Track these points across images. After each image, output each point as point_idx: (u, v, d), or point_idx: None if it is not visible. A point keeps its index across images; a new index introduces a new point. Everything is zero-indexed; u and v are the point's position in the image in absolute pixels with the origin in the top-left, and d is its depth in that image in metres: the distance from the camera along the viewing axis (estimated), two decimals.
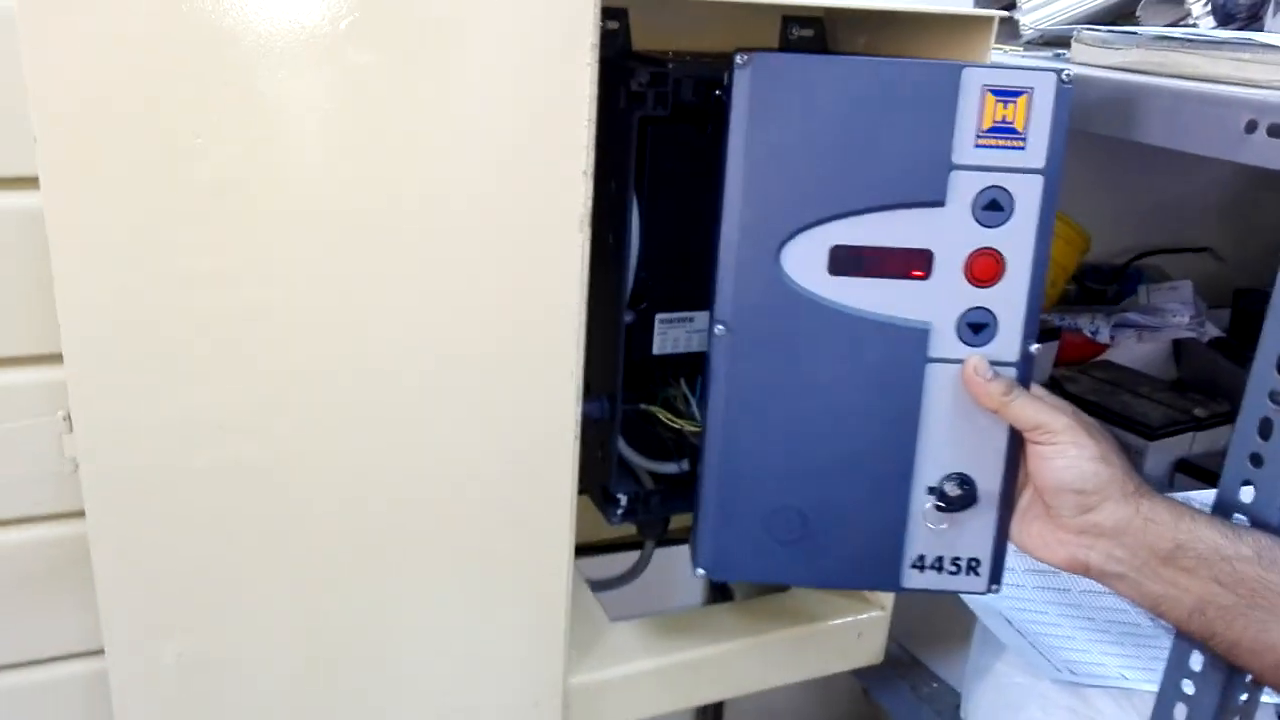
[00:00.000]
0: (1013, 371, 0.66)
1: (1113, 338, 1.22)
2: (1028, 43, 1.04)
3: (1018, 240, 0.65)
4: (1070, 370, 1.24)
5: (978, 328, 0.66)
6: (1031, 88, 0.63)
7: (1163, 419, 1.12)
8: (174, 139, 0.54)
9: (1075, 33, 0.85)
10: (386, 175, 0.59)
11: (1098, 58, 0.82)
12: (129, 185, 0.55)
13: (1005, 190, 0.64)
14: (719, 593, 1.06)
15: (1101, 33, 0.83)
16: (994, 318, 0.66)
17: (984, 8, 1.08)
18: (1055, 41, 1.01)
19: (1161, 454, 1.11)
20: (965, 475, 0.67)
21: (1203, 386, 1.21)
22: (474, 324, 0.63)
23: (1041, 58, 0.96)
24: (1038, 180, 0.64)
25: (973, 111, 0.63)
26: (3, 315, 0.63)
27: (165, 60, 0.53)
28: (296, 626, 0.66)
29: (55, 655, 0.70)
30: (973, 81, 0.63)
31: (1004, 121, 0.64)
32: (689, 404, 0.76)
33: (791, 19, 0.82)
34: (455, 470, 0.66)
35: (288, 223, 0.58)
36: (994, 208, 0.64)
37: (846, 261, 0.64)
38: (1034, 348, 0.66)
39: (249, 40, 0.54)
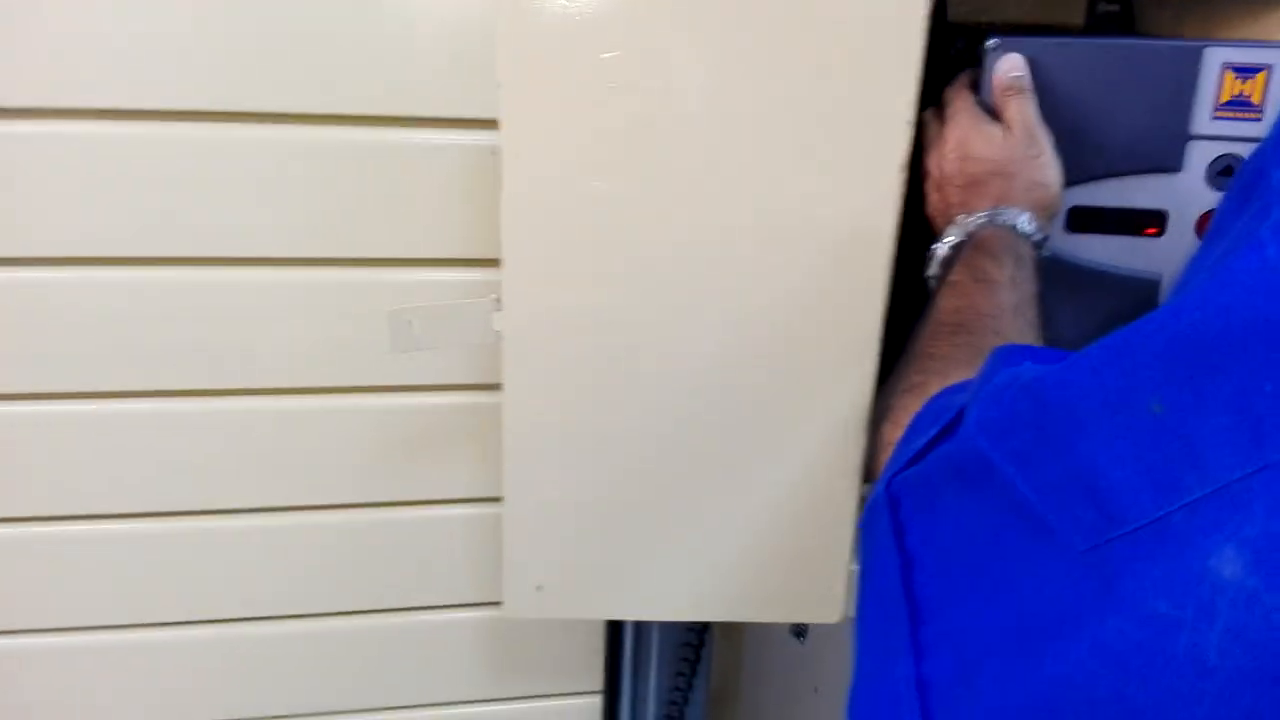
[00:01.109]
0: None
1: None
2: None
3: None
4: None
5: None
6: (1270, 65, 0.70)
7: None
8: (593, 94, 0.71)
9: None
10: (746, 117, 0.72)
11: None
12: (561, 128, 0.72)
13: (1239, 158, 0.71)
14: None
15: None
16: None
17: None
18: None
19: None
20: None
21: None
22: (801, 261, 0.75)
23: None
24: None
25: (1212, 87, 0.71)
26: (454, 226, 0.88)
27: (593, 37, 0.70)
28: (647, 478, 0.82)
29: (451, 498, 0.96)
30: (1214, 59, 0.71)
31: (1241, 96, 0.71)
32: None
33: None
34: (763, 408, 0.80)
35: (670, 160, 0.73)
36: (1227, 173, 0.72)
37: (1084, 220, 0.74)
38: None
39: (645, 21, 0.70)
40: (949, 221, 0.71)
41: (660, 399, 0.80)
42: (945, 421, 0.45)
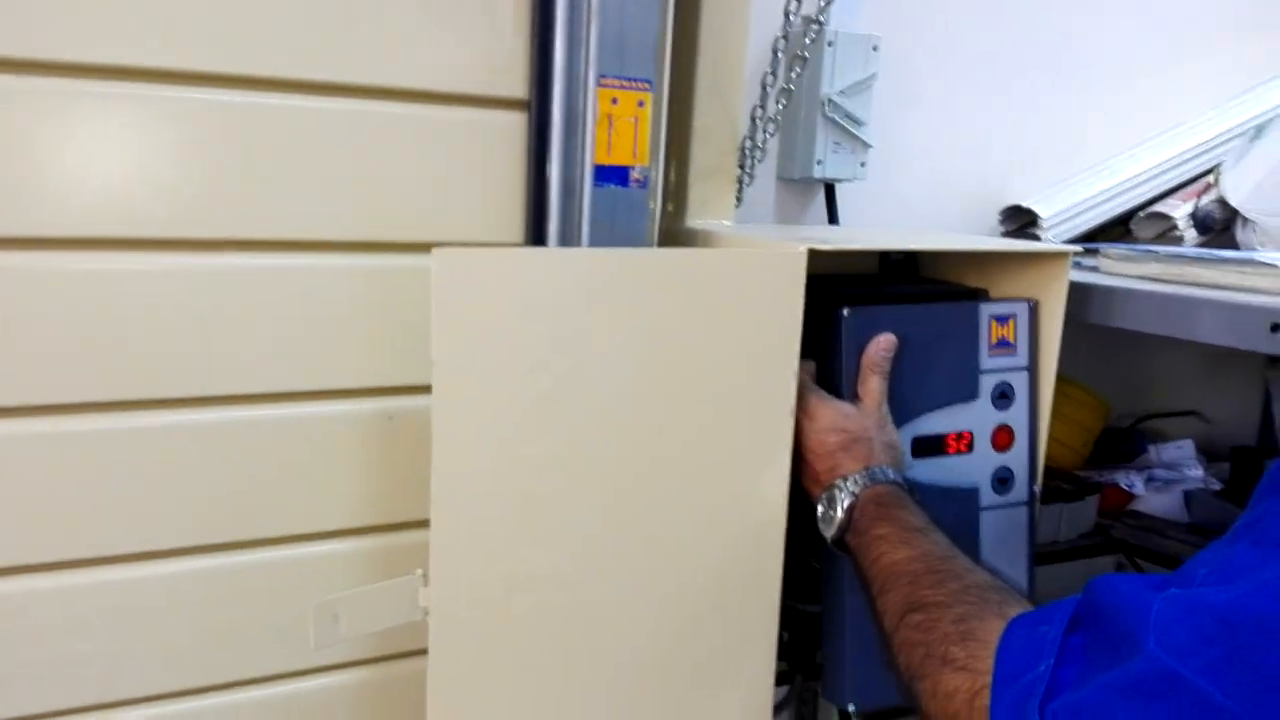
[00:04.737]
0: (1025, 508, 0.94)
1: (1143, 489, 1.46)
2: None
3: (1020, 417, 0.94)
4: (1109, 519, 1.46)
5: (1003, 481, 0.94)
6: (1015, 314, 0.94)
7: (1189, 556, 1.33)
8: (517, 365, 0.75)
9: (1101, 249, 1.12)
10: (660, 398, 0.80)
11: (1124, 269, 1.08)
12: (490, 396, 0.74)
13: (1009, 383, 0.94)
14: None
15: (1124, 250, 1.10)
16: (1012, 473, 0.94)
17: (1007, 226, 1.37)
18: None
19: None
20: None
21: (1214, 528, 1.43)
22: (708, 517, 0.84)
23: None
24: (1026, 374, 0.95)
25: (986, 332, 0.93)
26: (344, 496, 0.89)
27: (515, 317, 0.74)
28: None
29: None
30: (984, 313, 0.93)
31: (1003, 338, 0.94)
32: None
33: None
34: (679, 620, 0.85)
35: (591, 427, 0.78)
36: (1004, 396, 0.94)
37: (923, 447, 0.91)
38: (1037, 488, 0.95)
39: (565, 309, 0.76)
40: (824, 488, 0.81)
41: (585, 662, 0.81)
42: (1055, 652, 0.52)
